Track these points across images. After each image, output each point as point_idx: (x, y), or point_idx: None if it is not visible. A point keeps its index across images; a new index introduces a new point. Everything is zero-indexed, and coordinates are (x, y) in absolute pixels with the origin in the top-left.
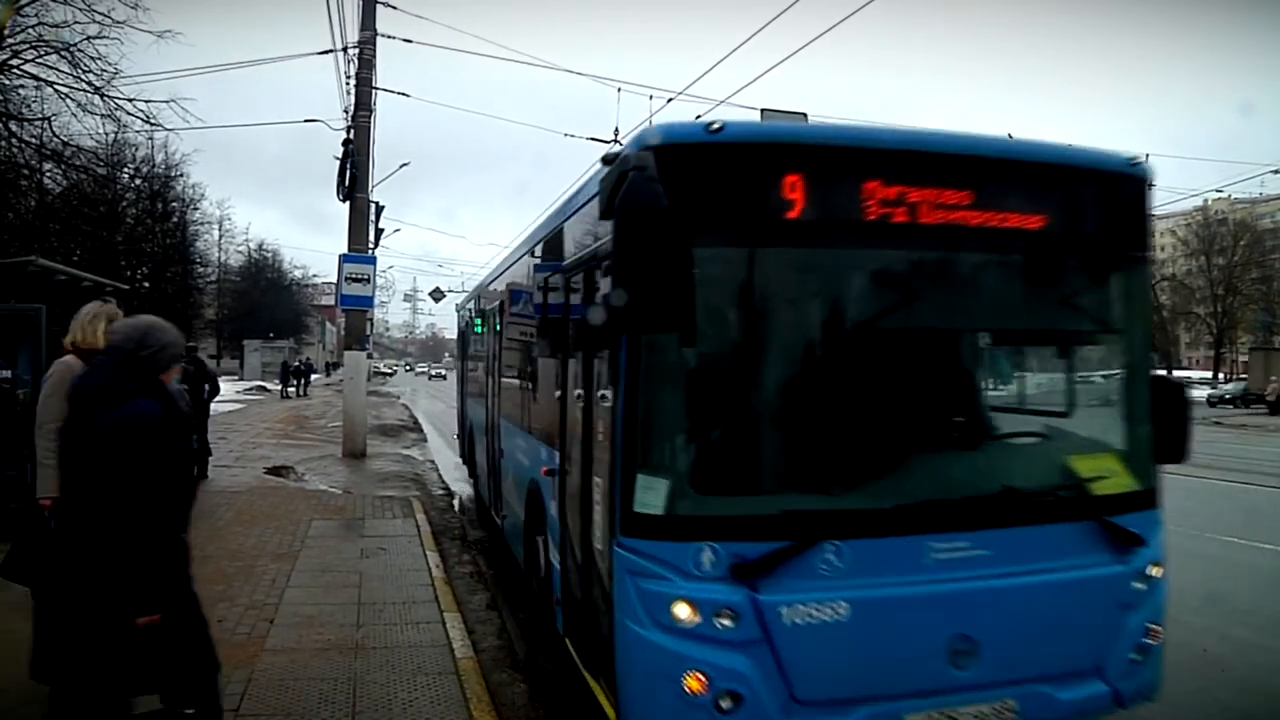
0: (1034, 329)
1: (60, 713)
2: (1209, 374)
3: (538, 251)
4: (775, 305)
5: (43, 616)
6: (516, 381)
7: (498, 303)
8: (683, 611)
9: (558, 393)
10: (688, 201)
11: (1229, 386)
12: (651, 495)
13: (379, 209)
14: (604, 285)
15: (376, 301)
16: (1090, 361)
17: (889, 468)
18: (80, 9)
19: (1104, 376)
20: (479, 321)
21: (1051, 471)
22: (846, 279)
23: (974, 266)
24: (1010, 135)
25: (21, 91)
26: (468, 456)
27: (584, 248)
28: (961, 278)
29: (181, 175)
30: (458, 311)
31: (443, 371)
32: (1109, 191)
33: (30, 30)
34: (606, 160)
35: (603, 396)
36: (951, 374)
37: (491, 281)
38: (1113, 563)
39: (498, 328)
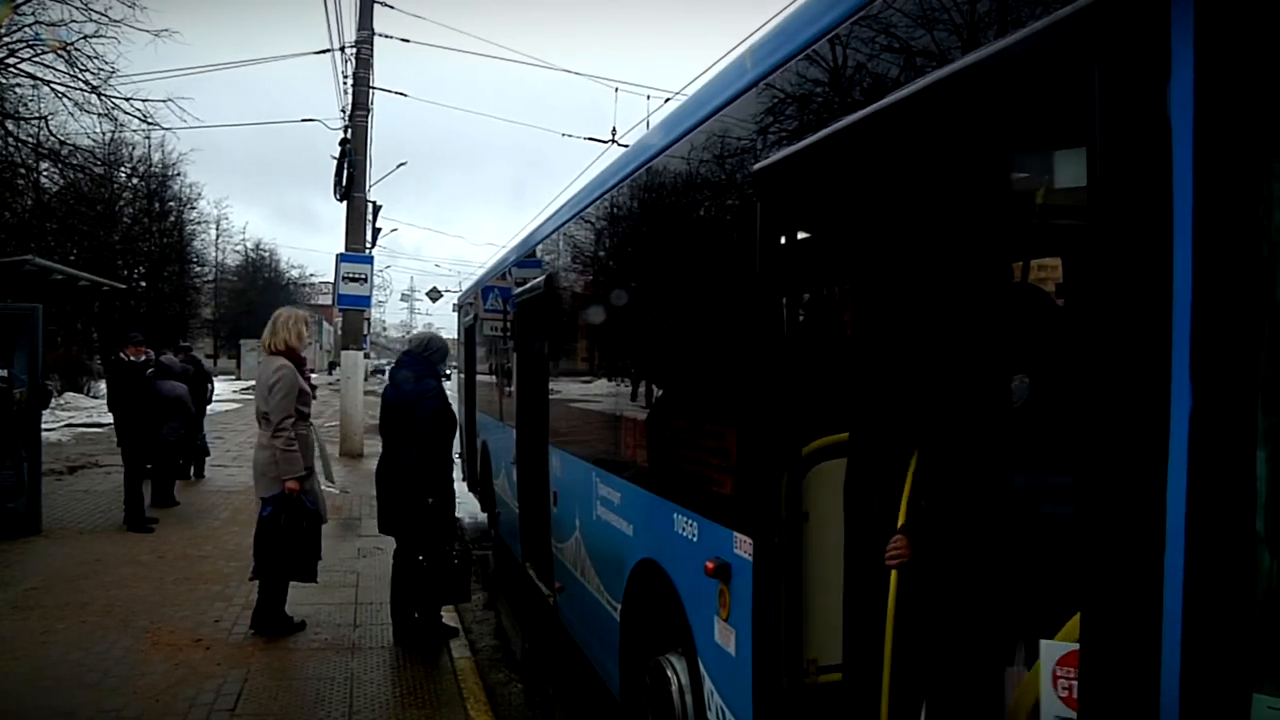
0: None
1: (407, 552)
2: None
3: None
4: None
5: (383, 506)
6: (606, 385)
7: (541, 277)
8: None
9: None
10: None
11: None
12: None
13: (376, 208)
14: None
15: (373, 301)
16: None
17: None
18: (77, 7)
19: None
20: (518, 302)
21: None
22: None
23: None
24: None
25: (18, 90)
26: (477, 481)
27: None
28: None
29: (178, 174)
30: (459, 310)
31: None
32: None
33: (27, 29)
34: None
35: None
36: None
37: (552, 233)
38: None
39: (557, 307)
